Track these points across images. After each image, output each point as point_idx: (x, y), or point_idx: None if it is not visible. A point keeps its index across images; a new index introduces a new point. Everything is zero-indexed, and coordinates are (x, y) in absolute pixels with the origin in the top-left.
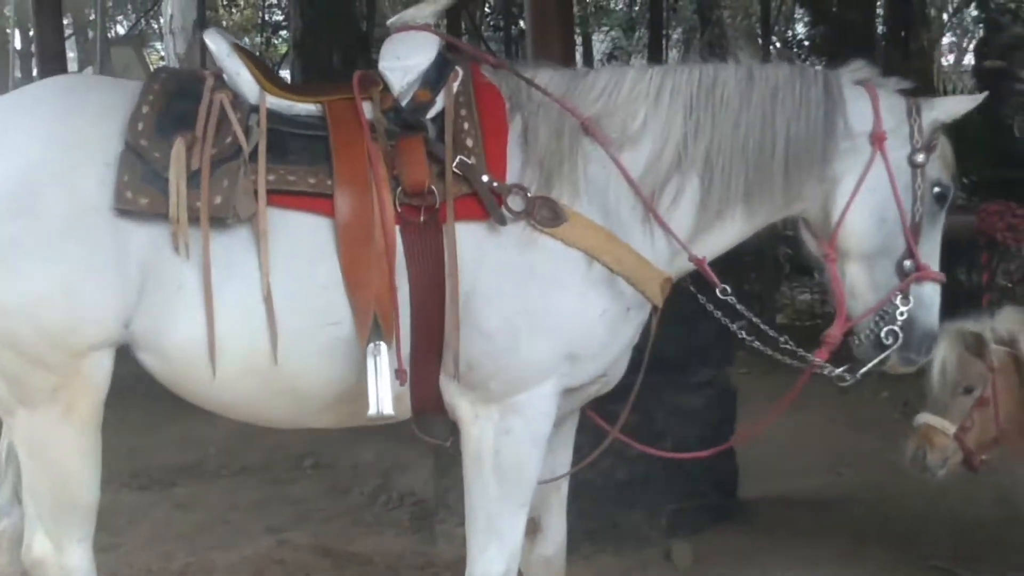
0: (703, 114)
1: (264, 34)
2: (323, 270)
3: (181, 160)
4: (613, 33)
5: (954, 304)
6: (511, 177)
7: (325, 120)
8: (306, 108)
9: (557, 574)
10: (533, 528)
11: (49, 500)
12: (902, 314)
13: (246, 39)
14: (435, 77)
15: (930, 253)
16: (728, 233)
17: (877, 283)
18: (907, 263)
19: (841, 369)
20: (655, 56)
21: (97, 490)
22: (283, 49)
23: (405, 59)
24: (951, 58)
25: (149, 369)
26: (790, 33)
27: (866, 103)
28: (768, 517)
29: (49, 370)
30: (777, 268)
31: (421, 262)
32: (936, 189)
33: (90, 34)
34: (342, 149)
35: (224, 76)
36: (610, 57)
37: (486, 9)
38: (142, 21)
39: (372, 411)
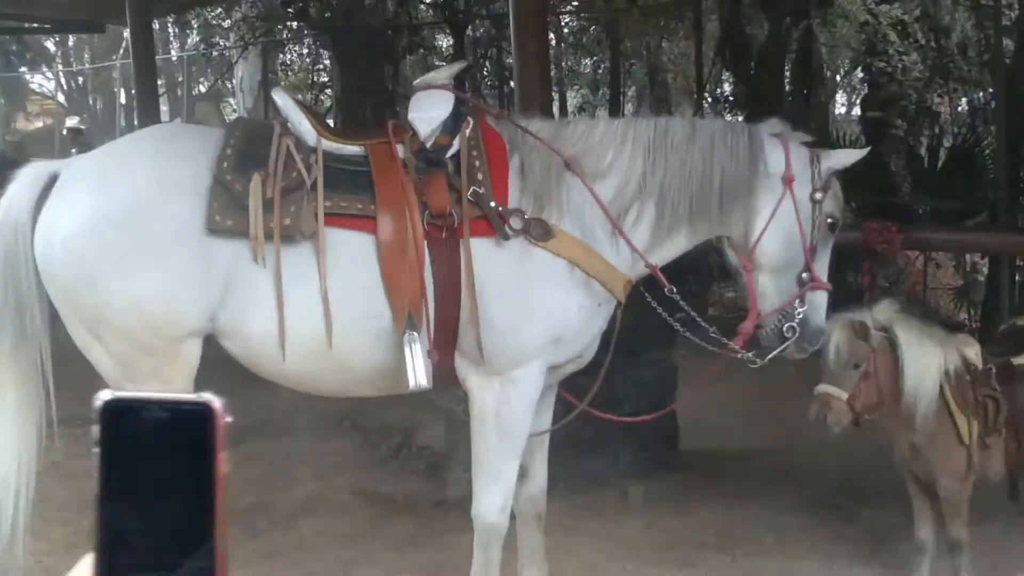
0: (658, 156)
1: (313, 92)
2: (368, 275)
3: (258, 191)
4: (583, 91)
5: (845, 300)
6: (512, 203)
7: (368, 159)
8: (352, 149)
9: (540, 509)
10: (523, 473)
11: None
12: (799, 314)
13: (300, 96)
14: (452, 125)
15: (822, 268)
16: (675, 246)
17: (782, 290)
18: (804, 275)
19: (752, 353)
20: (615, 109)
21: None
22: (328, 104)
23: (428, 111)
24: (842, 110)
25: (230, 352)
26: (719, 91)
27: (780, 152)
28: (702, 465)
29: (152, 354)
30: (709, 272)
31: (443, 269)
32: (829, 220)
33: (178, 92)
34: (382, 181)
35: (288, 125)
36: (580, 109)
37: (484, 72)
38: (219, 82)
39: (412, 384)
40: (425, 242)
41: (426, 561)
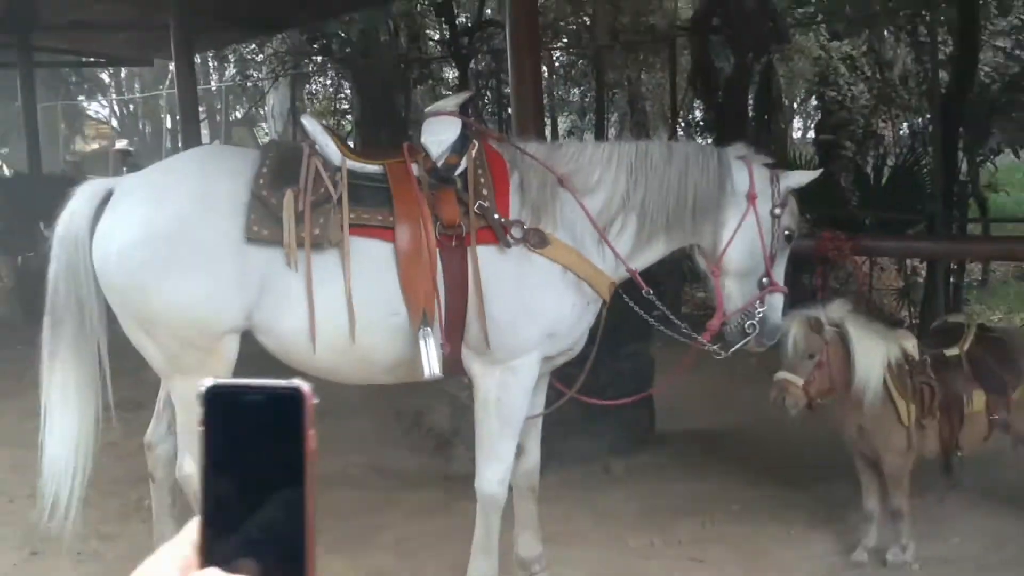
0: (639, 175)
1: (335, 117)
2: (387, 279)
3: (291, 205)
4: (572, 116)
5: (802, 300)
6: (513, 215)
7: (386, 176)
8: (373, 168)
9: (533, 482)
10: (519, 451)
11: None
12: (759, 313)
13: (324, 121)
14: (459, 147)
15: (780, 273)
16: (653, 253)
17: (744, 292)
18: (764, 280)
19: (718, 346)
20: (600, 132)
21: None
22: (348, 128)
23: (439, 135)
24: (799, 134)
25: (265, 347)
26: (691, 116)
27: (745, 173)
28: (676, 443)
29: (196, 348)
30: (682, 276)
31: (453, 273)
32: (787, 232)
33: (217, 118)
34: (399, 196)
35: (316, 146)
36: (569, 132)
37: (485, 100)
38: (252, 109)
39: (426, 373)
40: (437, 250)
41: (434, 528)
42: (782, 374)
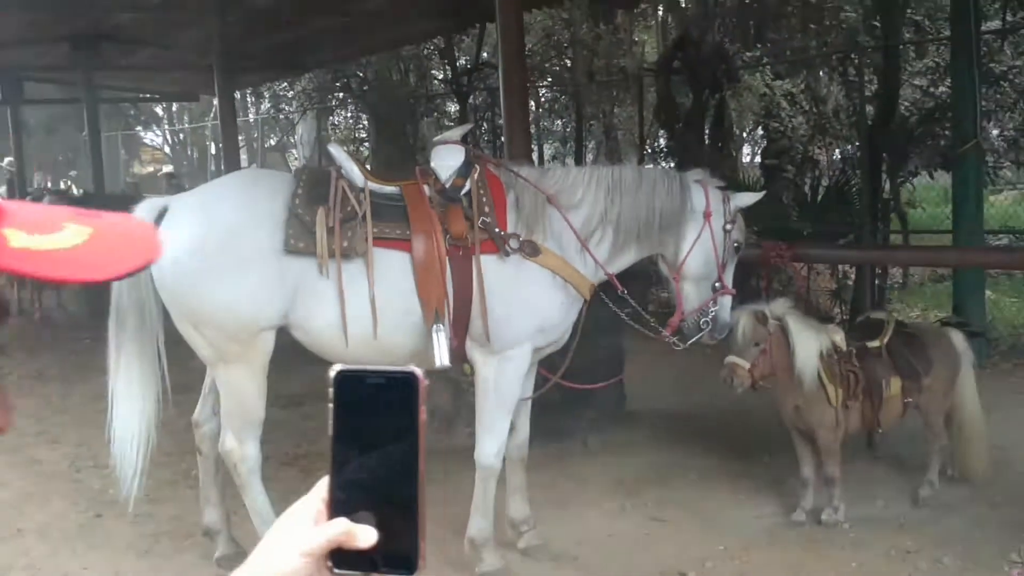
0: (615, 195)
1: (354, 145)
2: (405, 284)
3: (323, 221)
4: (555, 144)
5: (751, 298)
6: (510, 228)
7: (402, 196)
8: (390, 189)
9: (523, 455)
10: (512, 428)
11: (236, 415)
12: (712, 312)
13: (347, 148)
14: (464, 171)
15: (729, 278)
16: (626, 260)
17: (700, 295)
18: (717, 284)
19: (676, 339)
20: (579, 158)
21: (263, 410)
22: (365, 154)
23: (446, 161)
24: (748, 158)
25: (300, 341)
26: (656, 144)
27: (702, 194)
28: (643, 421)
29: (238, 342)
30: (649, 279)
31: (460, 278)
32: (736, 244)
33: (254, 145)
34: (414, 213)
35: (342, 170)
36: (553, 158)
37: (482, 130)
38: (284, 137)
39: (438, 363)
40: (447, 258)
41: (438, 494)
42: (731, 358)
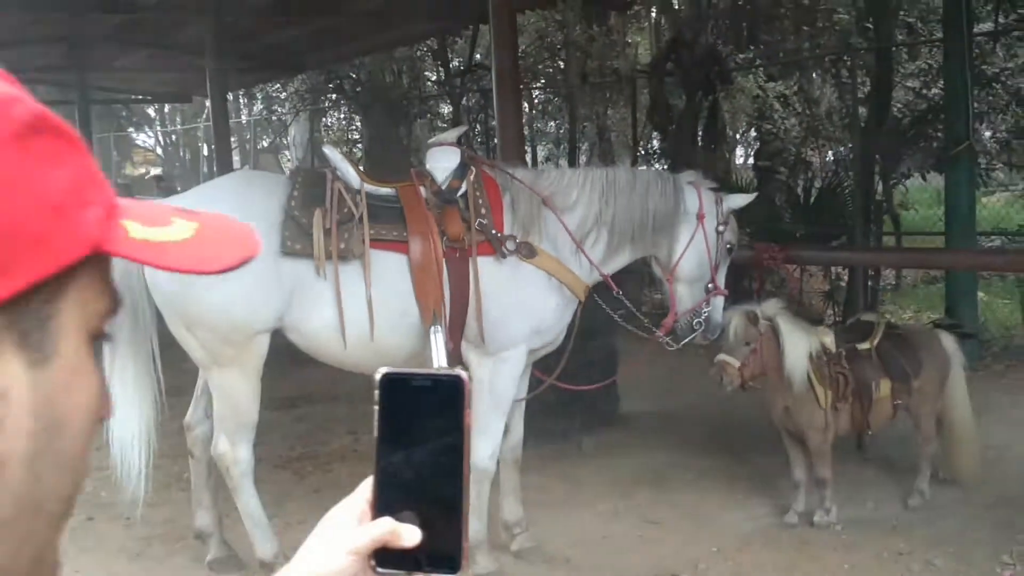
0: (609, 196)
1: (347, 146)
2: (402, 285)
3: (319, 223)
4: (548, 146)
5: (743, 299)
6: (506, 230)
7: (399, 198)
8: (386, 191)
9: (517, 456)
10: (505, 430)
11: (229, 418)
12: (705, 313)
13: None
14: (460, 173)
15: (722, 279)
16: (621, 261)
17: (693, 296)
18: (710, 286)
19: (670, 339)
20: (572, 159)
21: (257, 413)
22: (359, 155)
23: (442, 162)
24: (741, 160)
25: (295, 344)
26: (649, 146)
27: (695, 195)
28: (637, 423)
29: (232, 345)
30: (642, 280)
31: (457, 279)
32: (728, 245)
33: (247, 147)
34: (411, 215)
35: (338, 172)
36: (546, 160)
37: (475, 132)
38: (277, 139)
39: (435, 365)
40: (444, 260)
41: None
42: (722, 356)
